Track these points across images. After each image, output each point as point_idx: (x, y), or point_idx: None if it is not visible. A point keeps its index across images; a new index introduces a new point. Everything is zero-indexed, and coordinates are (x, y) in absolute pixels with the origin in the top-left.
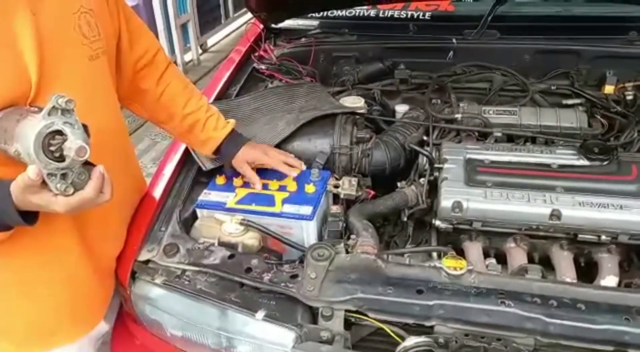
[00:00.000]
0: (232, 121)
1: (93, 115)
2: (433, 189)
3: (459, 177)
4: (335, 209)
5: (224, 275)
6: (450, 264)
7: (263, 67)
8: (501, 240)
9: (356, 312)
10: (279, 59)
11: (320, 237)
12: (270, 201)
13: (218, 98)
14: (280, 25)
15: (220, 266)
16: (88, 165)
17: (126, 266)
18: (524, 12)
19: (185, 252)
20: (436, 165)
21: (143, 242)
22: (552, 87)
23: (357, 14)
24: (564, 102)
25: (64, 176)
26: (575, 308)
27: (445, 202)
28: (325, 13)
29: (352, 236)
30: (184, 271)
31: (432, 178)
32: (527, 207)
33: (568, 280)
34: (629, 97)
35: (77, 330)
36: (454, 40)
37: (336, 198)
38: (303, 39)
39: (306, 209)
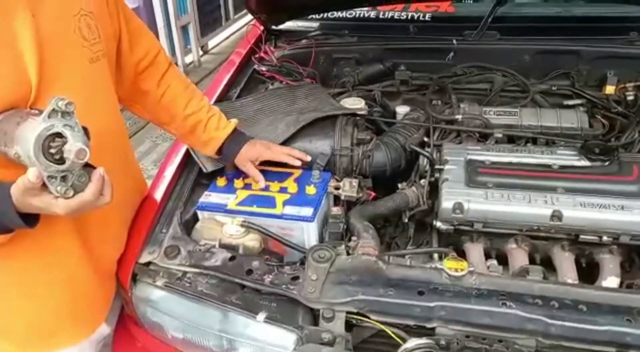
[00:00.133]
0: (233, 121)
1: (93, 117)
2: (434, 190)
3: (459, 178)
4: (336, 210)
5: (225, 277)
6: (452, 266)
7: (264, 68)
8: (502, 241)
9: (357, 313)
10: (280, 60)
11: (321, 239)
12: (271, 202)
13: (219, 100)
14: (281, 26)
15: (221, 268)
16: (88, 167)
17: (127, 268)
18: (524, 12)
19: (186, 254)
20: (437, 167)
21: (144, 244)
22: (553, 88)
23: (357, 15)
24: (565, 102)
25: (64, 179)
26: (577, 309)
27: (446, 203)
28: (325, 14)
29: (353, 238)
30: (185, 273)
31: (432, 179)
32: (528, 208)
33: (569, 281)
34: (630, 98)
35: (77, 332)
36: (454, 41)
37: (337, 199)
38: (303, 41)
39: (307, 211)
